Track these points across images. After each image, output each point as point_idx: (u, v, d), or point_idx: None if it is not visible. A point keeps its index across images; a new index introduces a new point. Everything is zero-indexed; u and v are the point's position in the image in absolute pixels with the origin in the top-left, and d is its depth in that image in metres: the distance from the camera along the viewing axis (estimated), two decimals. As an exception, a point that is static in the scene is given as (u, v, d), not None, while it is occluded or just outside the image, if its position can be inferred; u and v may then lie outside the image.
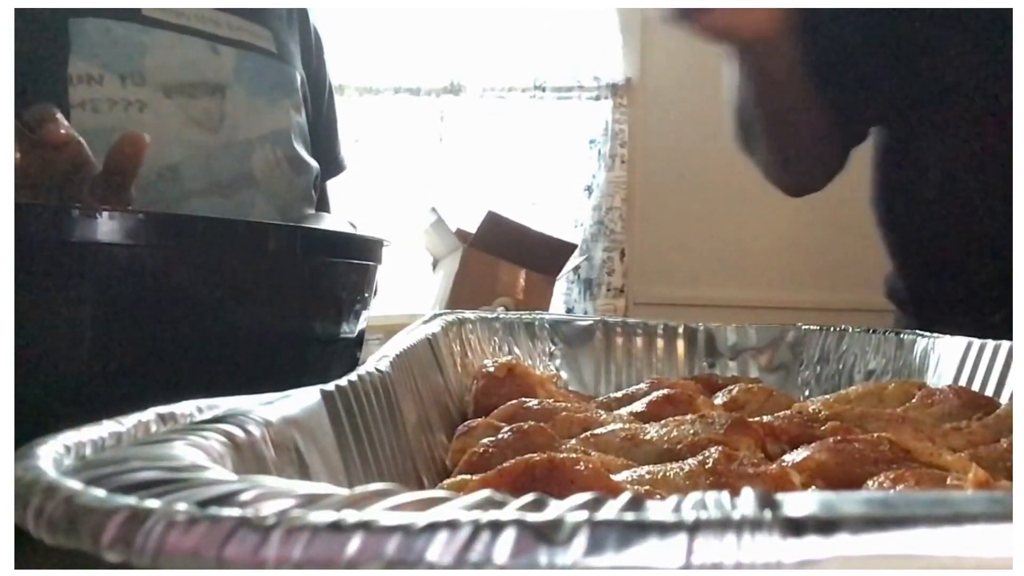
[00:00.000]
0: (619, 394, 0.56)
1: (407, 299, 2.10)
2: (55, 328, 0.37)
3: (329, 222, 1.06)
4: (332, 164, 1.15)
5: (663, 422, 0.43)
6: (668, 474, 0.35)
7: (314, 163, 1.06)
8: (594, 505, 0.14)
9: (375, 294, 0.58)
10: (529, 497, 0.15)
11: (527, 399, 0.48)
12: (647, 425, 0.43)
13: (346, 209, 1.20)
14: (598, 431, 0.42)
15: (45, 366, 0.37)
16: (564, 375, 0.71)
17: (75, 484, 0.17)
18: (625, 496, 0.15)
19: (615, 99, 2.62)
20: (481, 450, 0.39)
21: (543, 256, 1.45)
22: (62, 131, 0.61)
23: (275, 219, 0.98)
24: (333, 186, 1.18)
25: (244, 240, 0.42)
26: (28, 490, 0.17)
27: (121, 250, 0.37)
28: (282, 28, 1.06)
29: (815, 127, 0.91)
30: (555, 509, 0.14)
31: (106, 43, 0.88)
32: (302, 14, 1.12)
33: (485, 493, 0.15)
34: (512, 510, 0.14)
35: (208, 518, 0.15)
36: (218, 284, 0.41)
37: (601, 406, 0.52)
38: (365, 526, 0.14)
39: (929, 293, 0.93)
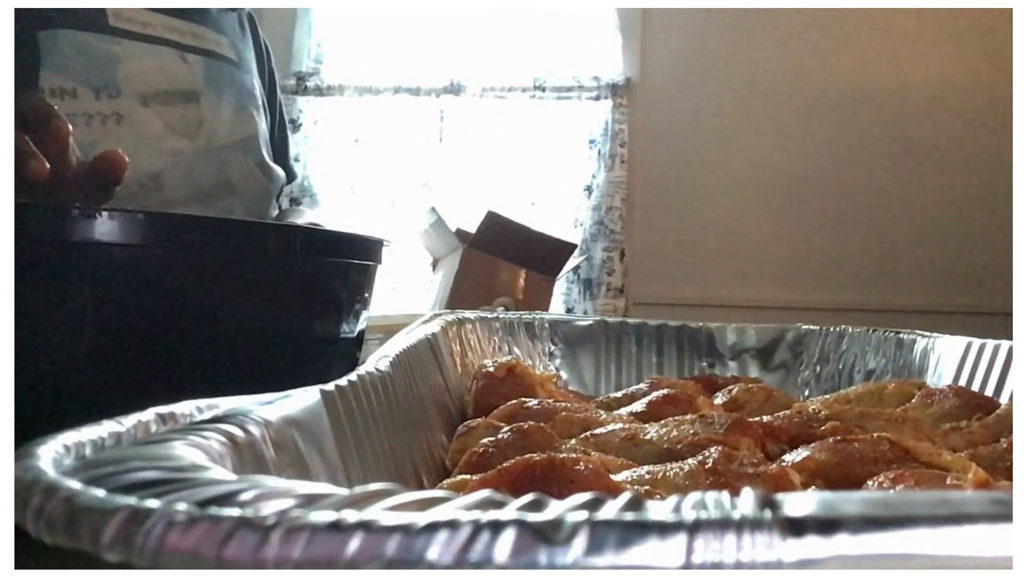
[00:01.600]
0: (619, 394, 0.56)
1: (407, 299, 2.10)
2: (55, 328, 0.37)
3: (311, 216, 1.06)
4: (286, 173, 1.16)
5: (663, 422, 0.43)
6: (668, 474, 0.35)
7: (279, 170, 1.06)
8: (594, 505, 0.14)
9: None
10: (529, 497, 0.15)
11: (527, 399, 0.48)
12: (647, 425, 0.43)
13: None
14: (598, 431, 0.42)
15: (45, 366, 0.37)
16: (564, 375, 0.71)
17: (75, 484, 0.17)
18: (625, 496, 0.15)
19: (615, 99, 2.62)
20: (481, 450, 0.39)
21: (543, 256, 1.45)
22: (68, 124, 0.61)
23: None
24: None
25: (244, 240, 0.42)
26: (28, 490, 0.17)
27: (121, 250, 0.37)
28: (237, 37, 1.06)
29: None
30: (555, 509, 0.14)
31: (77, 55, 0.86)
32: (252, 23, 1.12)
33: (485, 493, 0.15)
34: (512, 510, 0.14)
35: (208, 518, 0.15)
36: (218, 284, 0.41)
37: (601, 406, 0.52)
38: (365, 526, 0.14)
39: None
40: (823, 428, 0.43)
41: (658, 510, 0.14)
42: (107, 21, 0.89)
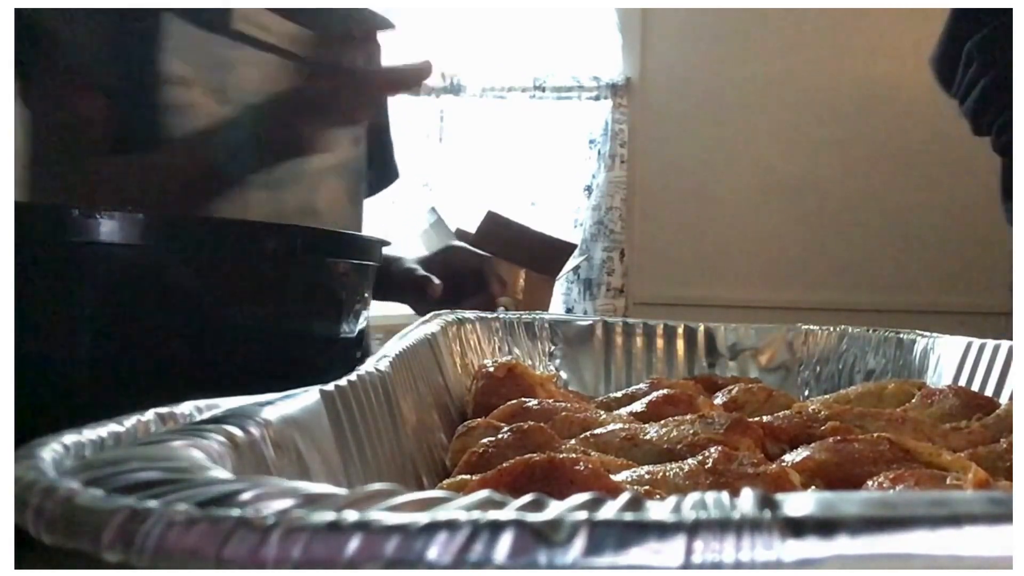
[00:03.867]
0: (619, 394, 0.56)
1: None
2: (55, 328, 0.37)
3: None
4: (390, 173, 1.14)
5: (663, 422, 0.43)
6: (668, 474, 0.35)
7: (362, 199, 1.05)
8: (593, 505, 0.14)
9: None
10: (529, 497, 0.15)
11: (527, 399, 0.48)
12: (647, 425, 0.43)
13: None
14: (598, 431, 0.42)
15: (45, 366, 0.37)
16: (564, 375, 0.71)
17: (75, 484, 0.17)
18: (624, 496, 0.15)
19: (615, 99, 2.62)
20: (481, 450, 0.39)
21: (543, 256, 1.45)
22: None
23: None
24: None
25: (244, 240, 0.42)
26: (28, 490, 0.17)
27: (121, 250, 0.37)
28: (356, 43, 1.01)
29: None
30: (555, 509, 0.14)
31: (196, 49, 0.83)
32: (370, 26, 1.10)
33: (485, 493, 0.15)
34: (511, 510, 0.14)
35: (207, 518, 0.15)
36: (218, 284, 0.41)
37: (601, 406, 0.52)
38: (364, 526, 0.14)
39: None
40: (823, 428, 0.43)
41: (658, 510, 0.14)
42: (229, 22, 0.85)
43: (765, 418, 0.45)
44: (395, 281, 1.01)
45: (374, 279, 0.54)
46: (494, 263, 1.05)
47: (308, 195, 0.93)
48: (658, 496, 0.32)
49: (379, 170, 1.10)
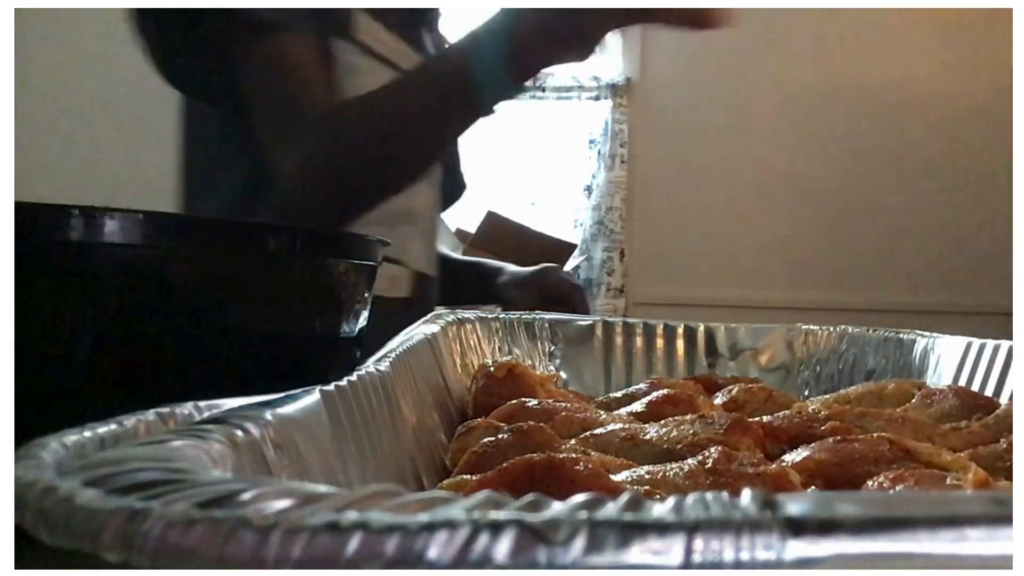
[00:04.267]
0: (619, 394, 0.56)
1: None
2: (55, 328, 0.37)
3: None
4: (457, 185, 1.17)
5: (663, 422, 0.43)
6: (668, 474, 0.35)
7: (441, 208, 1.08)
8: (594, 505, 0.14)
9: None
10: (529, 497, 0.15)
11: (527, 399, 0.48)
12: (647, 425, 0.43)
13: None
14: (598, 431, 0.42)
15: (45, 366, 0.37)
16: (564, 375, 0.71)
17: (75, 484, 0.17)
18: (625, 496, 0.15)
19: (615, 99, 2.62)
20: (481, 450, 0.39)
21: (543, 256, 1.45)
22: None
23: (427, 258, 1.00)
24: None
25: (244, 240, 0.42)
26: (28, 490, 0.17)
27: (121, 250, 0.37)
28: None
29: None
30: (555, 509, 0.14)
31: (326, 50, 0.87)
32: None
33: (485, 493, 0.15)
34: (512, 510, 0.14)
35: (207, 518, 0.15)
36: (218, 284, 0.41)
37: (601, 406, 0.52)
38: (364, 526, 0.14)
39: None
40: (823, 428, 0.43)
41: (658, 510, 0.14)
42: (352, 31, 0.89)
43: (765, 418, 0.45)
44: (496, 293, 1.09)
45: (374, 279, 0.54)
46: (584, 292, 1.09)
47: (408, 199, 0.94)
48: (658, 496, 0.32)
49: (450, 182, 1.12)
